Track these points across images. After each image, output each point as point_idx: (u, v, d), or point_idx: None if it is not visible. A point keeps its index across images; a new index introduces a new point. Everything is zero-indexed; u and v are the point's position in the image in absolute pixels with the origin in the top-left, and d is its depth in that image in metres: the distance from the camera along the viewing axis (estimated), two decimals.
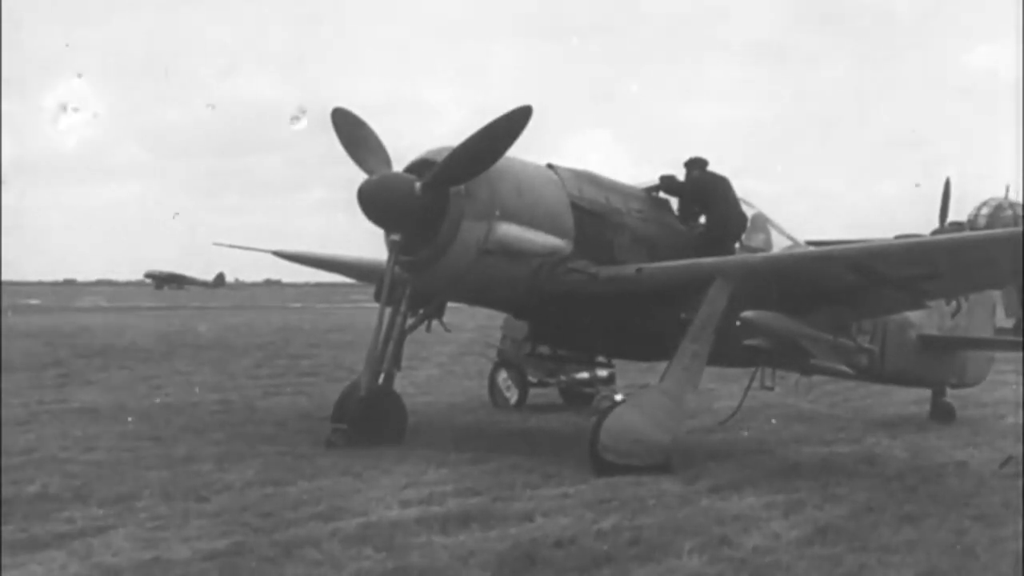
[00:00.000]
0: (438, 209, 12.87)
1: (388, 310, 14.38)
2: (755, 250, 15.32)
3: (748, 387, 15.95)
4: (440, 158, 12.93)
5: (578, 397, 19.10)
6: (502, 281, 13.52)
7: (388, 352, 14.67)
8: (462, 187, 12.88)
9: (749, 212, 15.58)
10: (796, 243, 16.13)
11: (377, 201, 12.91)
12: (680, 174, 15.43)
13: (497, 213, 13.07)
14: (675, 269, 13.66)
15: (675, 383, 12.95)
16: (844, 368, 15.79)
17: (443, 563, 8.57)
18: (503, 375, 19.21)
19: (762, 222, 15.91)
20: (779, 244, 15.88)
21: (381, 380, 14.63)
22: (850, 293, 13.58)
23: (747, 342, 14.42)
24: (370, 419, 14.04)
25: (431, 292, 14.59)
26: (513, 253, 13.27)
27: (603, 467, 12.40)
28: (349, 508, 10.31)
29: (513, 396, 19.06)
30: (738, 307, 13.11)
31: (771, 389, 16.30)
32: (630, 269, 13.63)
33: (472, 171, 12.82)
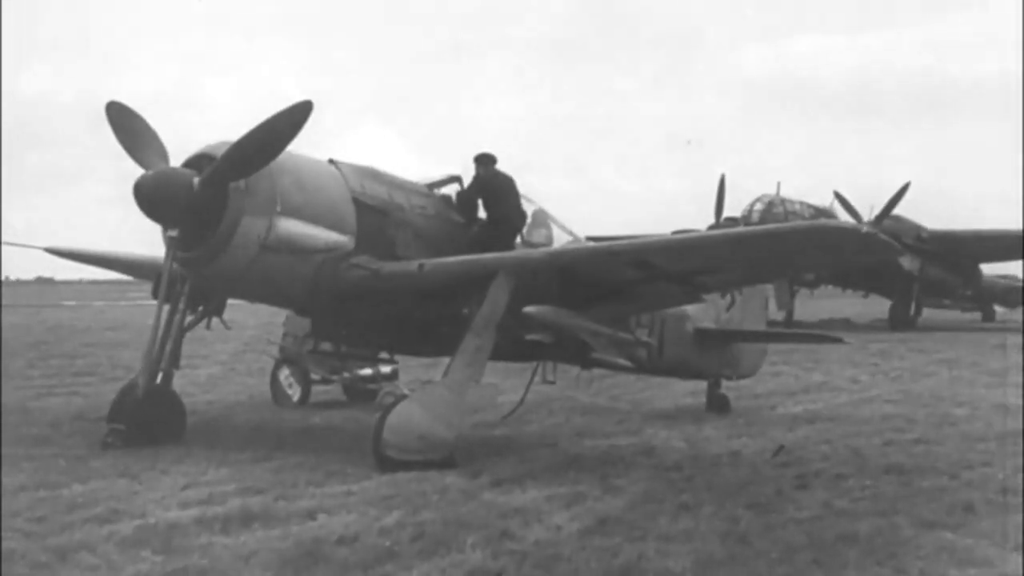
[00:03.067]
0: (217, 205, 12.67)
1: (166, 307, 14.13)
2: (536, 245, 15.44)
3: (530, 381, 16.16)
4: (219, 153, 12.72)
5: (361, 394, 19.02)
6: (283, 277, 13.38)
7: (166, 350, 14.44)
8: (242, 182, 12.71)
9: (530, 208, 15.72)
10: (576, 239, 16.33)
11: (154, 197, 12.63)
12: (463, 169, 15.49)
13: (278, 209, 12.94)
14: (457, 265, 13.67)
15: (458, 378, 13.00)
16: (623, 361, 16.13)
17: (224, 564, 8.45)
18: (285, 372, 19.02)
19: (543, 218, 16.06)
20: (560, 239, 16.03)
21: (159, 379, 14.40)
22: (629, 287, 13.80)
23: (529, 336, 14.59)
24: (148, 419, 13.81)
25: (210, 289, 14.39)
26: (294, 249, 13.15)
27: (387, 463, 12.38)
28: (126, 510, 10.08)
29: (296, 393, 18.89)
30: (519, 302, 13.23)
31: (552, 383, 16.55)
32: (412, 265, 13.61)
33: (252, 166, 12.65)
